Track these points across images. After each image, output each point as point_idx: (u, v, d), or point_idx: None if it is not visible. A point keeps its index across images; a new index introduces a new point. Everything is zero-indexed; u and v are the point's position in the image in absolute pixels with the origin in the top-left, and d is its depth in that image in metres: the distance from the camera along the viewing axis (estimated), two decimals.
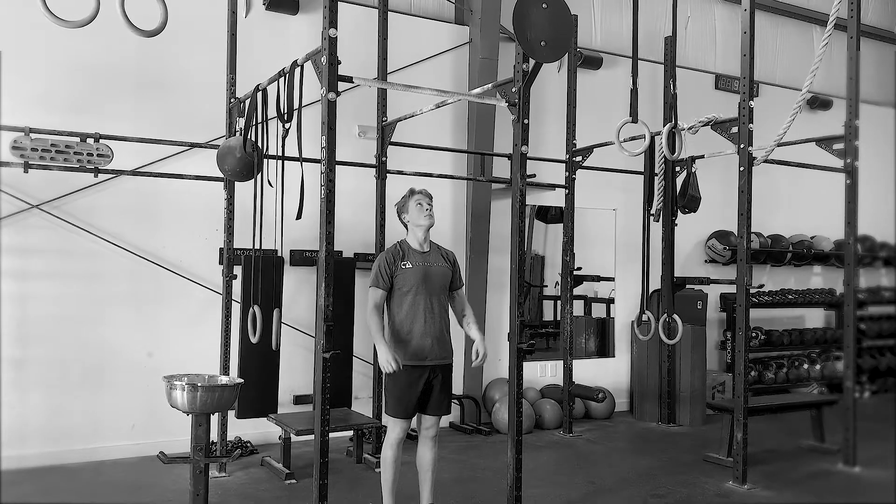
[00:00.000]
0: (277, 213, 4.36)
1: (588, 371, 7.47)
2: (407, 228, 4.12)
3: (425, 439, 4.03)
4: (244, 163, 4.63)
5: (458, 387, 6.70)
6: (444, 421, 6.51)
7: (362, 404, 6.11)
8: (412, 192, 4.13)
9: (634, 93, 5.74)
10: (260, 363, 5.15)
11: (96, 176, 5.04)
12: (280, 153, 4.39)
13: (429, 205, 4.09)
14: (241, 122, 4.80)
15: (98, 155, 4.96)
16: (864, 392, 8.74)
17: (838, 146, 5.74)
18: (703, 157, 6.17)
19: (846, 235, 5.73)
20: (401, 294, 3.96)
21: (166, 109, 5.69)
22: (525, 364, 4.33)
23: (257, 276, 4.78)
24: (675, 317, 5.96)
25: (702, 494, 4.91)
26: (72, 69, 5.41)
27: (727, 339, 8.15)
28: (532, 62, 4.16)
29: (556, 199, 7.22)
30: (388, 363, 3.74)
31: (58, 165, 4.87)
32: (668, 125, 5.71)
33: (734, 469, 5.11)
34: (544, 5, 3.96)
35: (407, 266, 3.97)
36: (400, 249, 4.03)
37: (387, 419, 4.03)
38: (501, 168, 6.82)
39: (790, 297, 8.72)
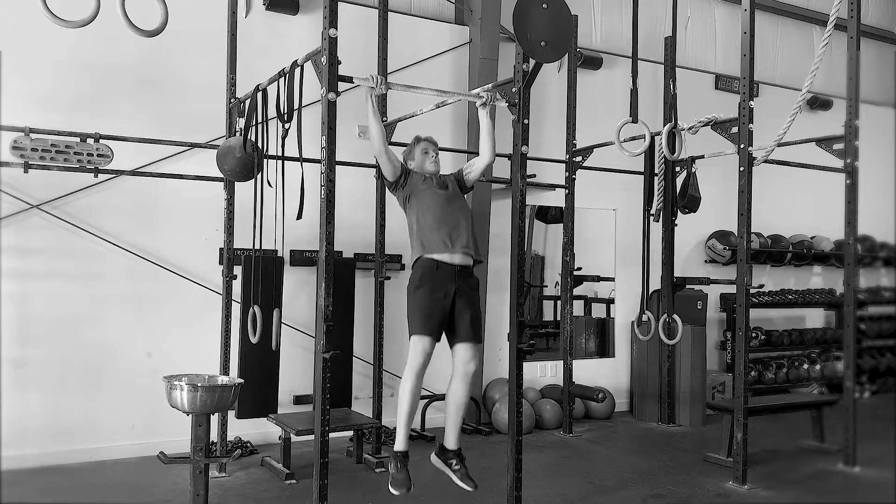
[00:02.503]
0: (277, 213, 4.36)
1: (588, 371, 7.47)
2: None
3: (463, 375, 3.78)
4: (244, 163, 4.63)
5: None
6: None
7: (362, 404, 6.11)
8: (418, 140, 4.21)
9: (634, 93, 5.74)
10: (260, 363, 5.15)
11: (96, 176, 5.04)
12: (280, 153, 4.39)
13: (435, 152, 4.17)
14: (241, 122, 4.80)
15: (98, 155, 4.96)
16: (864, 392, 8.73)
17: (838, 146, 5.74)
18: (703, 157, 6.16)
19: (846, 235, 5.73)
20: (419, 193, 3.98)
21: (166, 109, 5.69)
22: (525, 364, 4.32)
23: (257, 276, 4.77)
24: (675, 317, 5.96)
25: (702, 494, 4.91)
26: (72, 69, 5.41)
27: (727, 339, 8.15)
28: (532, 62, 4.16)
29: (556, 199, 7.22)
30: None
31: (58, 165, 4.87)
32: (668, 125, 5.71)
33: (734, 469, 5.11)
34: (544, 5, 3.97)
35: (425, 175, 4.07)
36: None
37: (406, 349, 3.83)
38: (501, 168, 6.81)
39: (790, 297, 8.72)
